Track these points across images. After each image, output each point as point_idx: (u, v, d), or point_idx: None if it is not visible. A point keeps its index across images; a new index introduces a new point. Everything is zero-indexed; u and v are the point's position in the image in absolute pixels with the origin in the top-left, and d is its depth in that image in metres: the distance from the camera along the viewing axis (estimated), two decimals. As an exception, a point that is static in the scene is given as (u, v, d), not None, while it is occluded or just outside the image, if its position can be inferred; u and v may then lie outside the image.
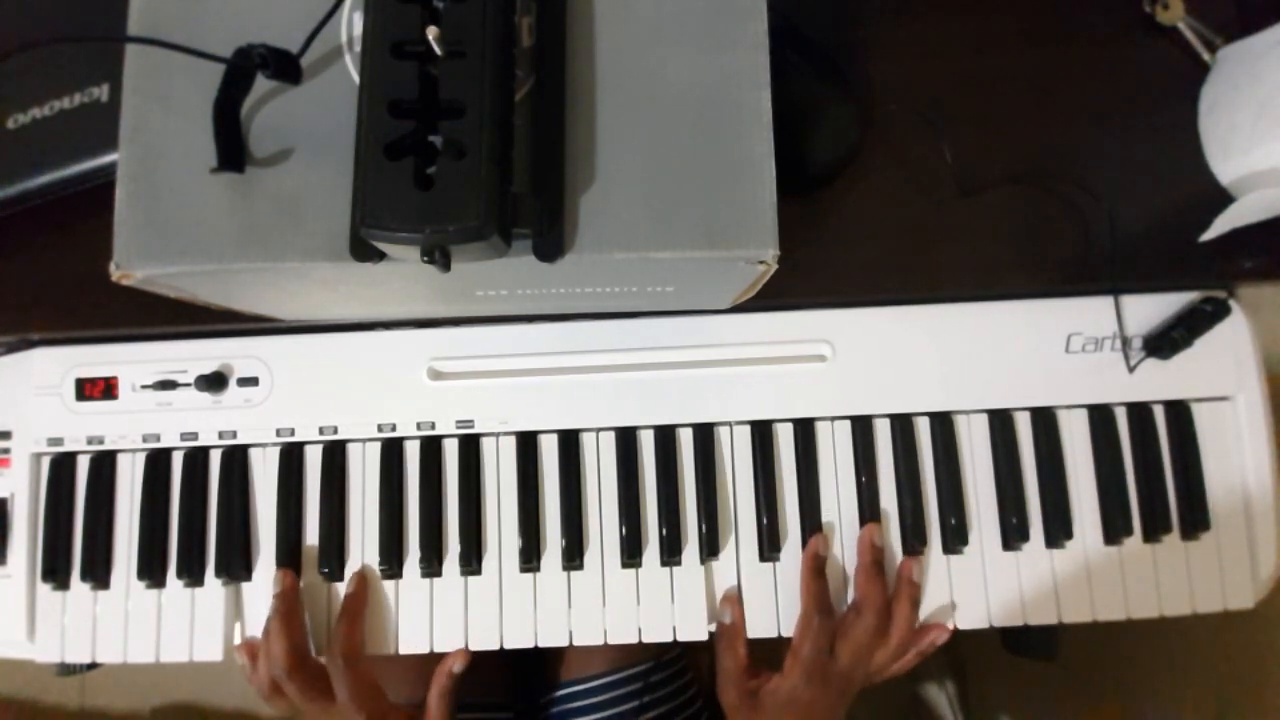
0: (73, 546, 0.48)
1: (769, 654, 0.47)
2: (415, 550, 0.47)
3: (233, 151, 0.30)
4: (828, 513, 0.48)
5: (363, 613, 0.47)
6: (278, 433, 0.48)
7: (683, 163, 0.31)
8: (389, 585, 0.47)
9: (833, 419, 0.49)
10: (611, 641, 0.46)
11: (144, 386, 0.49)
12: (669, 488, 0.48)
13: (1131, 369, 0.48)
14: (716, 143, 0.31)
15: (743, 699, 0.46)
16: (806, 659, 0.45)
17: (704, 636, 0.47)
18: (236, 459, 0.48)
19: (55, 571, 0.48)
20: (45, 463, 0.49)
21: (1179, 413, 0.48)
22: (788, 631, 0.46)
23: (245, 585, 0.48)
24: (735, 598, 0.47)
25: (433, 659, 0.47)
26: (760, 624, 0.47)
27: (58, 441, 0.49)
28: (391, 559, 0.47)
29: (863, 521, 0.48)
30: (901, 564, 0.47)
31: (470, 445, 0.48)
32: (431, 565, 0.47)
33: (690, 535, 0.47)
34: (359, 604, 0.47)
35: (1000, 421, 0.48)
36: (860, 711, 0.45)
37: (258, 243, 0.30)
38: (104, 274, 0.31)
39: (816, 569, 0.46)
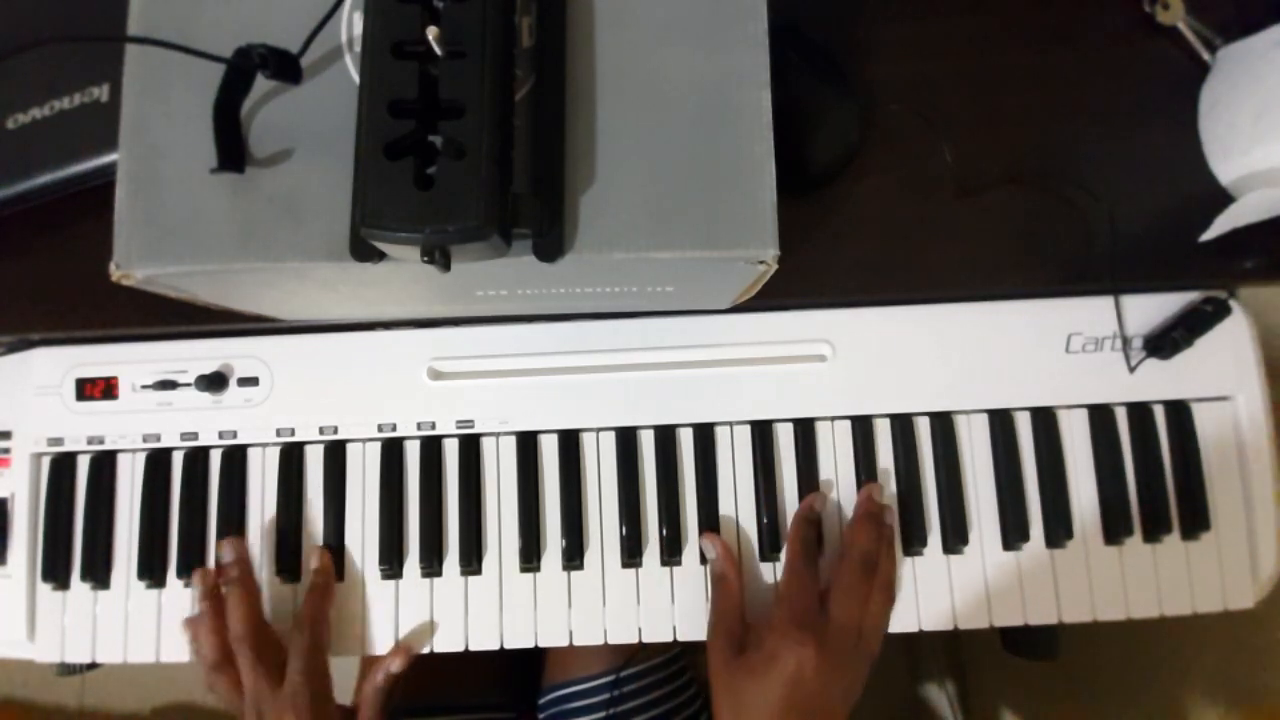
0: (73, 546, 0.48)
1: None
2: (415, 550, 0.47)
3: (233, 151, 0.30)
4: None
5: (332, 588, 0.46)
6: (278, 433, 0.48)
7: (682, 163, 0.31)
8: (389, 585, 0.47)
9: (833, 419, 0.49)
10: (612, 642, 0.46)
11: (144, 386, 0.49)
12: (669, 488, 0.48)
13: (1132, 369, 0.48)
14: (716, 143, 0.31)
15: (730, 645, 0.43)
16: (797, 603, 0.42)
17: (704, 636, 0.47)
18: (236, 459, 0.48)
19: (55, 571, 0.48)
20: (45, 463, 0.49)
21: (1179, 413, 0.48)
22: None
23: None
24: (715, 536, 0.46)
25: (428, 660, 0.47)
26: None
27: (58, 441, 0.49)
28: (391, 559, 0.47)
29: (863, 521, 0.48)
30: (866, 486, 0.47)
31: (470, 445, 0.48)
32: (431, 565, 0.47)
33: (690, 535, 0.47)
34: (328, 579, 0.46)
35: (1000, 421, 0.48)
36: (860, 711, 0.44)
37: (258, 243, 0.30)
38: (104, 274, 0.31)
39: (808, 518, 0.46)
